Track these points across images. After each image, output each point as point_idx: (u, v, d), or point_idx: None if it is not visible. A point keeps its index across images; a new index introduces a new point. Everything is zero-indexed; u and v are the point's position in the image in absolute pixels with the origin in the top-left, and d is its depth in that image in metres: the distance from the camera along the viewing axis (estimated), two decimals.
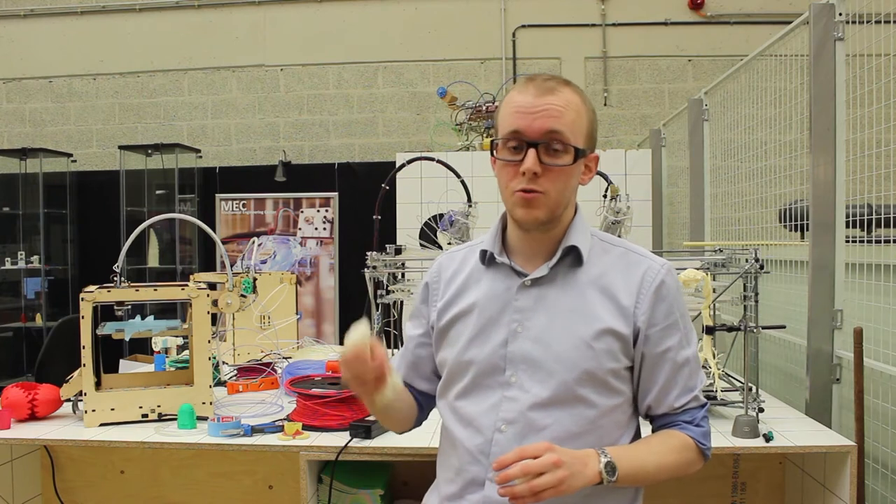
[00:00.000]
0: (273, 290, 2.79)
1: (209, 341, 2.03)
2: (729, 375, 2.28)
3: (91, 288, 1.97)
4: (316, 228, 5.59)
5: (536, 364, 1.19)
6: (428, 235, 2.91)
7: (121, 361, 3.72)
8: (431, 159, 2.64)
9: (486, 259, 1.28)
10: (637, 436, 1.29)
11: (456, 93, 3.93)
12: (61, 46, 6.30)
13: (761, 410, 1.90)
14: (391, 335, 2.58)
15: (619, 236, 2.19)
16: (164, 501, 2.19)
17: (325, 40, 6.10)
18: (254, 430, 1.84)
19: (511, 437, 1.19)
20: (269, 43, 6.15)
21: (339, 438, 1.79)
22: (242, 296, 2.31)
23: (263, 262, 5.45)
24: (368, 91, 6.10)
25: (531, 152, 1.16)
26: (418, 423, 1.43)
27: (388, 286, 2.31)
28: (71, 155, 5.98)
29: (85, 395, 1.93)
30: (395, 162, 3.96)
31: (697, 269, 1.95)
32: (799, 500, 1.98)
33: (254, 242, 2.89)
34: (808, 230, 2.33)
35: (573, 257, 1.24)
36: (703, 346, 1.93)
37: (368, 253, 2.29)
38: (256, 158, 6.15)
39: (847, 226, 2.23)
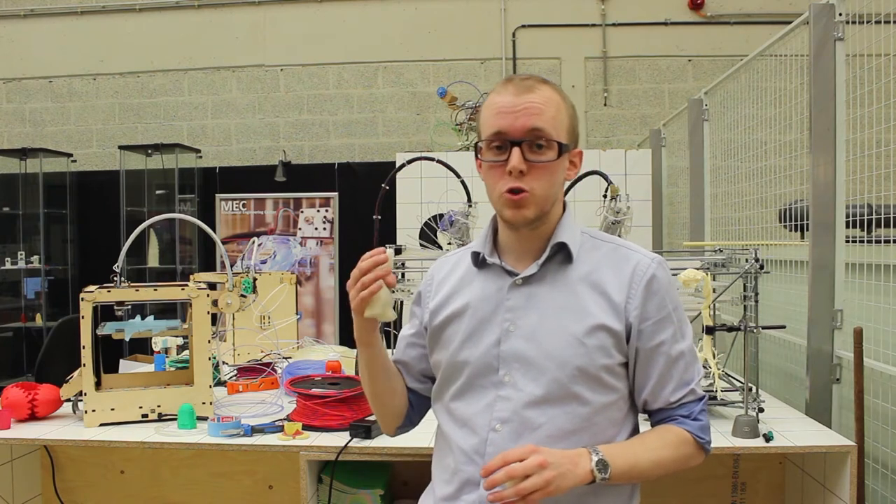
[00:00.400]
0: (273, 290, 2.79)
1: (209, 341, 2.03)
2: (729, 375, 2.28)
3: (91, 288, 1.97)
4: (316, 228, 5.59)
5: (529, 362, 1.20)
6: (428, 235, 2.91)
7: (121, 361, 3.72)
8: (431, 159, 2.63)
9: (479, 261, 1.29)
10: (635, 432, 1.28)
11: (456, 93, 3.94)
12: (61, 46, 6.30)
13: (761, 410, 1.90)
14: (391, 335, 2.58)
15: (620, 236, 2.19)
16: (164, 501, 2.19)
17: (325, 40, 6.10)
18: (254, 430, 1.84)
19: (506, 437, 1.19)
20: (269, 43, 6.16)
21: (339, 438, 1.79)
22: (242, 296, 2.31)
23: (263, 262, 5.45)
24: (368, 91, 6.10)
25: (515, 151, 1.17)
26: (410, 422, 1.42)
27: None
28: (71, 155, 5.98)
29: (85, 395, 1.93)
30: (395, 162, 3.96)
31: (697, 269, 1.95)
32: (799, 500, 1.98)
33: (254, 242, 2.89)
34: (808, 230, 2.33)
35: (563, 254, 1.24)
36: (703, 346, 1.93)
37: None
38: (256, 158, 6.15)
39: (847, 226, 2.23)
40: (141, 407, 1.98)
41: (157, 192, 5.82)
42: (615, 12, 5.91)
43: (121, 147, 5.72)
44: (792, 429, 1.85)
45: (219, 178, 5.78)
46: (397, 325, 2.64)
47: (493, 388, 1.22)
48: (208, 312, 2.04)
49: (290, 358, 2.66)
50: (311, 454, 1.75)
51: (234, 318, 2.80)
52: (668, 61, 5.90)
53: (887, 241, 2.18)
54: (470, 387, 1.24)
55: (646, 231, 3.70)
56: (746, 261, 1.94)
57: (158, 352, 2.47)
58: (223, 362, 2.61)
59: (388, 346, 2.55)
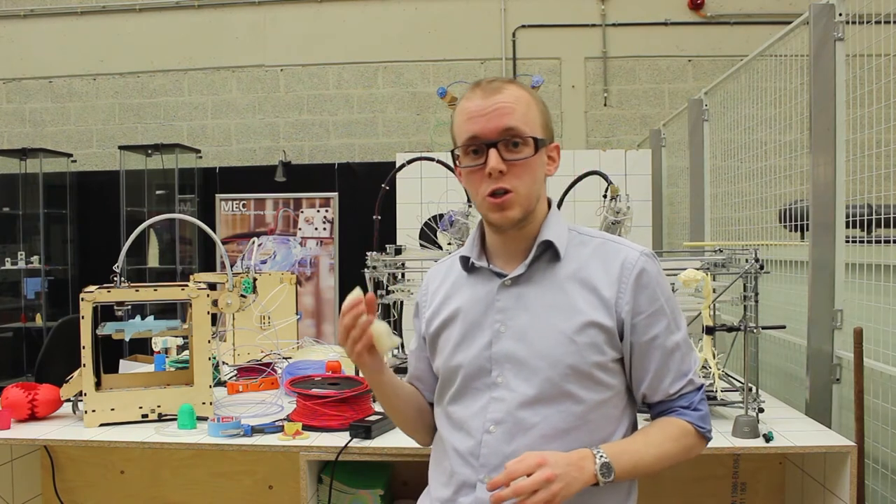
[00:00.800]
0: (273, 290, 2.79)
1: (209, 341, 2.03)
2: (729, 375, 2.28)
3: (91, 288, 1.97)
4: (316, 228, 5.59)
5: (521, 362, 1.20)
6: (428, 235, 2.91)
7: (121, 361, 3.71)
8: (431, 159, 2.63)
9: (468, 265, 1.30)
10: (633, 428, 1.28)
11: (456, 93, 3.92)
12: (61, 46, 6.30)
13: (761, 410, 1.90)
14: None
15: (620, 236, 2.18)
16: (164, 501, 2.19)
17: (325, 40, 6.10)
18: (254, 431, 1.84)
19: (499, 438, 1.19)
20: (269, 43, 6.16)
21: (339, 438, 1.79)
22: (242, 296, 2.31)
23: (263, 262, 5.45)
24: (368, 91, 6.10)
25: (492, 152, 1.17)
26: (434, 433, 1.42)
27: (388, 286, 2.30)
28: (71, 155, 5.98)
29: (85, 395, 1.93)
30: (395, 162, 3.96)
31: (697, 269, 1.95)
32: (799, 501, 1.98)
33: (254, 242, 2.89)
34: (808, 230, 2.33)
35: (551, 253, 1.24)
36: (703, 346, 1.93)
37: (368, 253, 2.29)
38: (256, 158, 6.15)
39: (847, 226, 2.23)
40: (141, 407, 1.98)
41: (157, 192, 5.82)
42: (615, 12, 5.91)
43: (121, 147, 5.72)
44: (792, 429, 1.85)
45: (219, 179, 5.78)
46: (398, 325, 2.64)
47: (486, 389, 1.22)
48: (208, 312, 2.04)
49: (290, 358, 2.66)
50: (311, 454, 1.75)
51: (234, 319, 2.80)
52: (668, 61, 5.90)
53: (887, 241, 2.18)
54: (465, 390, 1.24)
55: (646, 231, 3.70)
56: (746, 261, 1.94)
57: (158, 352, 2.47)
58: (223, 362, 2.61)
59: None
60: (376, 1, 6.07)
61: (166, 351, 2.50)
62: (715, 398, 1.92)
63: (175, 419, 1.94)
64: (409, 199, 3.64)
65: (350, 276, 5.31)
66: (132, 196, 5.68)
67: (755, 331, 1.89)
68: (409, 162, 2.60)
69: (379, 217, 2.47)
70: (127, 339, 2.11)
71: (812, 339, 2.28)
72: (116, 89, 6.30)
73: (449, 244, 2.53)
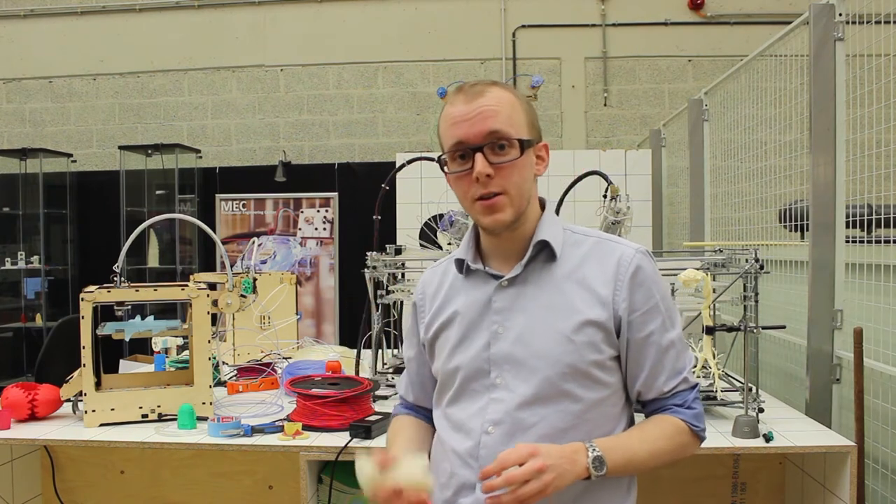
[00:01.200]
0: (273, 290, 2.79)
1: (209, 341, 2.03)
2: (729, 375, 2.28)
3: (91, 288, 1.97)
4: (316, 228, 5.59)
5: (519, 363, 1.20)
6: (428, 235, 2.91)
7: (121, 361, 3.72)
8: (431, 159, 2.63)
9: (463, 268, 1.30)
10: (631, 426, 1.28)
11: None
12: (61, 46, 6.30)
13: (761, 410, 1.90)
14: (391, 335, 2.58)
15: (619, 237, 2.18)
16: (164, 501, 2.19)
17: (325, 40, 6.10)
18: (254, 431, 1.84)
19: (498, 439, 1.19)
20: (269, 43, 6.15)
21: (339, 438, 1.79)
22: (242, 296, 2.31)
23: (263, 262, 5.45)
24: (368, 91, 6.10)
25: (478, 157, 1.17)
26: None
27: (388, 286, 2.30)
28: (71, 155, 5.98)
29: (85, 395, 1.93)
30: (395, 162, 3.96)
31: (697, 269, 1.95)
32: (799, 501, 1.98)
33: (254, 242, 2.89)
34: (808, 230, 2.33)
35: (546, 253, 1.24)
36: (703, 346, 1.93)
37: (368, 253, 2.29)
38: (256, 158, 6.15)
39: (847, 226, 2.23)
40: (141, 407, 1.98)
41: (157, 192, 5.82)
42: (615, 12, 5.91)
43: (121, 147, 5.72)
44: (792, 429, 1.85)
45: (219, 179, 5.78)
46: (398, 325, 2.65)
47: (485, 391, 1.22)
48: (208, 312, 2.04)
49: (290, 358, 2.66)
50: (311, 454, 1.76)
51: (234, 319, 2.80)
52: (668, 61, 5.90)
53: (887, 241, 2.18)
54: (463, 391, 1.25)
55: (646, 231, 3.70)
56: (746, 261, 1.94)
57: (158, 352, 2.47)
58: (223, 362, 2.61)
59: (388, 346, 2.56)
60: (376, 1, 6.07)
61: (166, 351, 2.50)
62: (715, 398, 1.92)
63: (175, 419, 1.94)
64: (409, 199, 3.64)
65: (350, 276, 5.31)
66: (132, 196, 5.68)
67: (755, 331, 1.89)
68: (409, 162, 2.60)
69: (379, 217, 2.47)
70: (127, 339, 2.11)
71: (812, 339, 2.28)
72: (116, 89, 6.30)
73: (449, 244, 2.53)
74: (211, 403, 2.01)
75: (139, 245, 5.57)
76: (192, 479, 2.18)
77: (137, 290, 2.00)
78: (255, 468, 2.14)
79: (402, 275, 2.40)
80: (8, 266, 5.72)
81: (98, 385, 1.99)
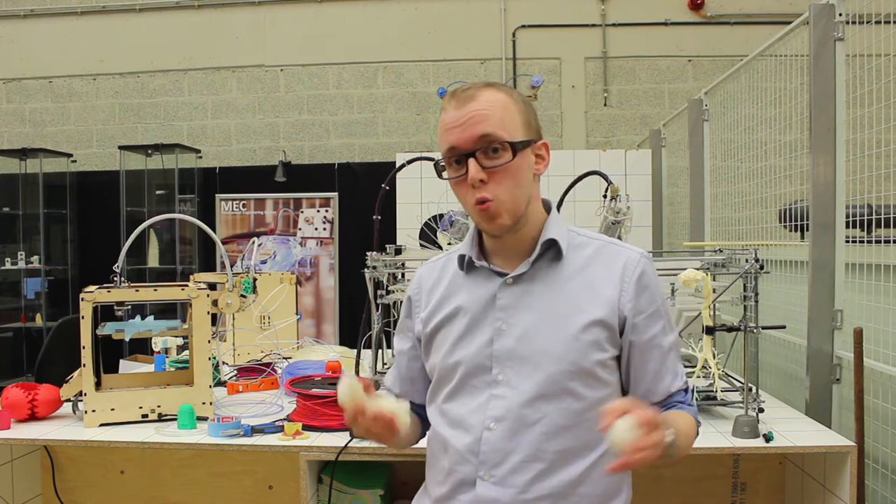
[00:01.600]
0: (273, 290, 2.79)
1: (209, 341, 2.03)
2: (729, 375, 2.28)
3: (91, 288, 1.97)
4: (316, 228, 5.59)
5: (523, 360, 1.20)
6: (428, 235, 2.91)
7: (121, 361, 3.71)
8: (431, 159, 2.62)
9: (466, 264, 1.30)
10: None
11: None
12: (61, 46, 6.30)
13: (761, 410, 1.90)
14: (391, 335, 2.58)
15: (620, 237, 2.18)
16: (164, 501, 2.19)
17: (325, 40, 6.10)
18: (254, 431, 1.84)
19: (500, 435, 1.19)
20: (269, 43, 6.15)
21: (339, 438, 1.79)
22: (242, 296, 2.31)
23: (263, 262, 5.45)
24: (368, 91, 6.10)
25: (471, 162, 1.18)
26: (423, 435, 1.43)
27: (388, 286, 2.30)
28: (71, 155, 5.98)
29: (85, 395, 1.93)
30: (395, 162, 3.96)
31: (697, 269, 1.95)
32: (799, 501, 1.98)
33: (254, 242, 2.89)
34: (808, 230, 2.33)
35: (553, 252, 1.25)
36: (703, 346, 1.93)
37: (368, 253, 2.29)
38: (256, 158, 6.15)
39: (847, 226, 2.23)
40: (141, 407, 1.98)
41: (157, 192, 5.82)
42: (615, 12, 5.91)
43: (121, 147, 5.72)
44: (792, 429, 1.85)
45: (219, 179, 5.78)
46: (397, 325, 2.64)
47: (486, 387, 1.22)
48: (208, 312, 2.04)
49: (290, 358, 2.66)
50: (311, 454, 1.76)
51: (234, 319, 2.80)
52: (668, 61, 5.90)
53: (887, 241, 2.18)
54: (463, 387, 1.25)
55: (646, 231, 3.70)
56: (746, 261, 1.94)
57: (158, 352, 2.47)
58: (223, 362, 2.61)
59: (388, 346, 2.56)
60: (376, 1, 6.07)
61: (166, 351, 2.50)
62: (715, 398, 1.93)
63: (175, 419, 1.94)
64: (409, 199, 3.64)
65: (350, 276, 5.31)
66: (132, 196, 5.68)
67: (755, 331, 1.89)
68: (409, 162, 2.60)
69: (379, 217, 2.47)
70: (127, 339, 2.11)
71: (812, 339, 2.28)
72: (116, 89, 6.30)
73: (449, 244, 2.53)
74: (211, 403, 2.01)
75: (139, 245, 5.57)
76: (192, 479, 2.18)
77: (137, 290, 2.00)
78: (255, 468, 2.14)
79: (402, 275, 2.40)
80: (8, 266, 5.72)
81: (98, 385, 1.99)
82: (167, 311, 4.72)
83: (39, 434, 1.88)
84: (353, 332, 2.56)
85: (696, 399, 1.90)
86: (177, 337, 2.52)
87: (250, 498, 2.15)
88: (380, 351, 2.38)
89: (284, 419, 1.93)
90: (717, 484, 2.09)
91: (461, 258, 1.30)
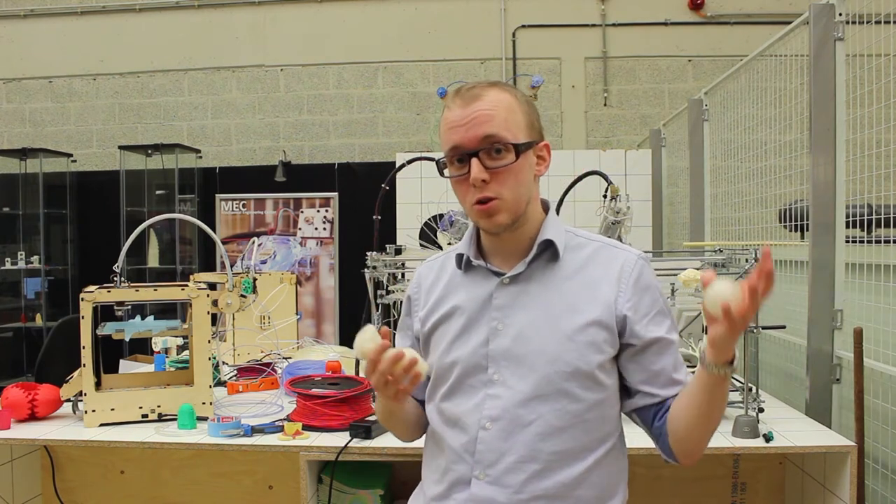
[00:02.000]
0: (273, 290, 2.79)
1: (209, 341, 2.03)
2: None
3: (91, 288, 1.97)
4: (316, 228, 5.59)
5: (518, 360, 1.20)
6: (428, 235, 2.91)
7: (121, 361, 3.71)
8: (431, 159, 2.63)
9: (463, 263, 1.30)
10: (623, 435, 1.28)
11: None
12: (61, 46, 6.30)
13: (761, 410, 1.90)
14: (391, 335, 2.58)
15: (619, 237, 2.19)
16: (164, 501, 2.19)
17: (325, 40, 6.10)
18: (254, 431, 1.84)
19: (495, 434, 1.19)
20: (269, 43, 6.15)
21: (339, 438, 1.79)
22: (242, 296, 2.31)
23: (263, 262, 5.45)
24: (368, 91, 6.10)
25: (474, 162, 1.18)
26: (425, 430, 1.43)
27: (388, 286, 2.30)
28: (71, 155, 5.98)
29: (85, 395, 1.93)
30: (395, 162, 3.96)
31: (697, 269, 1.95)
32: (799, 501, 1.98)
33: (254, 242, 2.89)
34: (808, 230, 2.33)
35: (550, 253, 1.25)
36: (703, 346, 1.93)
37: (368, 253, 2.29)
38: (256, 158, 6.15)
39: (847, 226, 2.23)
40: (141, 407, 1.98)
41: (157, 192, 5.82)
42: (615, 12, 5.91)
43: (121, 147, 5.72)
44: (792, 429, 1.85)
45: (219, 178, 5.78)
46: (397, 325, 2.64)
47: (482, 386, 1.22)
48: (208, 312, 2.04)
49: (290, 358, 2.66)
50: (311, 454, 1.76)
51: (234, 319, 2.80)
52: (668, 61, 5.90)
53: (887, 241, 2.18)
54: (459, 386, 1.25)
55: (646, 231, 3.70)
56: (746, 261, 1.94)
57: (158, 352, 2.47)
58: (223, 362, 2.61)
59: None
60: (376, 1, 6.07)
61: (166, 351, 2.50)
62: None
63: (175, 419, 1.94)
64: (409, 199, 3.65)
65: (350, 276, 5.31)
66: (132, 196, 5.68)
67: (755, 331, 1.89)
68: (409, 162, 2.60)
69: (379, 217, 2.47)
70: (127, 339, 2.11)
71: (812, 339, 2.28)
72: (116, 89, 6.30)
73: (449, 244, 2.53)
74: (211, 403, 2.01)
75: (139, 245, 5.57)
76: (192, 479, 2.18)
77: (137, 290, 2.01)
78: (255, 468, 2.14)
79: (402, 275, 2.40)
80: (8, 266, 5.72)
81: (98, 385, 1.99)
82: (167, 311, 4.72)
83: (39, 434, 1.88)
84: (353, 332, 2.55)
85: None
86: (177, 337, 2.52)
87: (250, 498, 2.15)
88: None
89: (284, 419, 1.93)
90: (717, 484, 2.09)
91: (459, 257, 1.30)
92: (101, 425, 1.94)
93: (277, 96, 6.16)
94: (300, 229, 5.59)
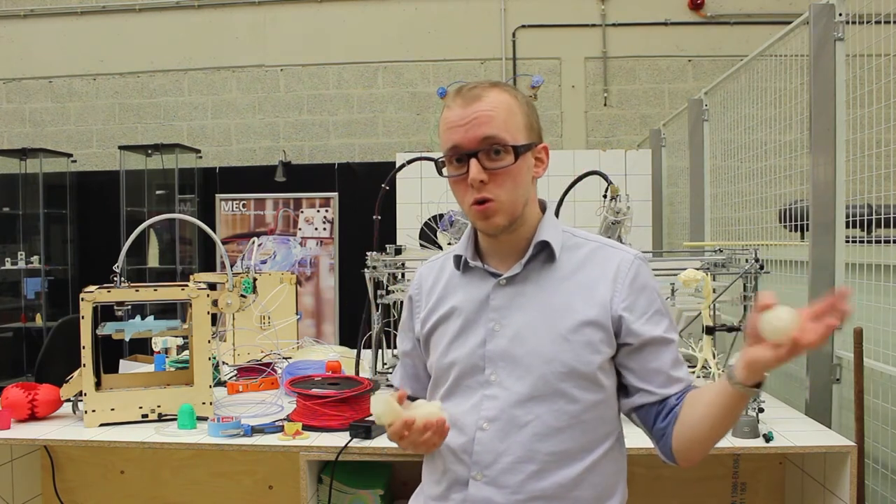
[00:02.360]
0: (273, 290, 2.79)
1: (209, 341, 2.03)
2: None
3: (91, 288, 1.97)
4: (316, 228, 5.59)
5: (515, 361, 1.20)
6: (428, 235, 2.91)
7: (121, 361, 3.71)
8: (431, 159, 2.63)
9: (461, 265, 1.30)
10: (621, 435, 1.28)
11: None
12: (61, 46, 6.30)
13: (761, 410, 1.89)
14: (391, 335, 2.58)
15: (620, 237, 2.19)
16: (164, 501, 2.19)
17: (325, 40, 6.10)
18: (254, 431, 1.84)
19: (493, 435, 1.19)
20: (269, 43, 6.16)
21: (339, 438, 1.79)
22: (242, 296, 2.31)
23: (263, 262, 5.45)
24: (368, 91, 6.10)
25: (473, 163, 1.18)
26: None
27: (388, 286, 2.30)
28: (71, 155, 5.98)
29: (85, 395, 1.93)
30: (395, 162, 3.96)
31: (697, 269, 1.95)
32: (799, 500, 1.98)
33: (254, 242, 2.89)
34: (808, 230, 2.33)
35: (546, 254, 1.25)
36: (703, 346, 1.93)
37: (368, 253, 2.29)
38: (256, 158, 6.15)
39: (847, 226, 2.23)
40: (141, 407, 1.98)
41: (157, 192, 5.82)
42: (615, 12, 5.91)
43: (121, 147, 5.72)
44: (792, 429, 1.85)
45: (219, 179, 5.78)
46: (398, 325, 2.64)
47: (479, 387, 1.22)
48: (208, 312, 2.04)
49: (290, 358, 2.66)
50: (311, 454, 1.76)
51: (234, 319, 2.80)
52: (668, 61, 5.90)
53: (887, 241, 2.18)
54: (457, 387, 1.25)
55: (646, 231, 3.70)
56: (746, 261, 1.94)
57: (158, 352, 2.47)
58: (223, 362, 2.61)
59: (388, 347, 2.56)
60: (376, 1, 6.07)
61: (166, 351, 2.50)
62: None
63: (175, 419, 1.94)
64: (409, 199, 3.65)
65: (350, 276, 5.31)
66: (132, 196, 5.68)
67: None
68: (409, 162, 2.60)
69: (379, 217, 2.47)
70: (127, 339, 2.11)
71: None
72: (116, 89, 6.30)
73: (449, 244, 2.53)
74: (211, 403, 2.01)
75: (139, 245, 5.57)
76: (192, 479, 2.18)
77: (137, 290, 2.00)
78: (255, 468, 2.14)
79: (402, 275, 2.40)
80: (8, 266, 5.72)
81: (98, 385, 1.99)
82: (167, 311, 4.72)
83: (39, 434, 1.88)
84: (353, 332, 2.56)
85: None
86: (177, 337, 2.52)
87: (250, 498, 2.15)
88: (380, 351, 2.39)
89: (284, 419, 1.93)
90: (717, 484, 2.09)
91: (457, 258, 1.31)
92: (101, 425, 1.94)
93: (277, 96, 6.16)
94: (300, 229, 5.59)
